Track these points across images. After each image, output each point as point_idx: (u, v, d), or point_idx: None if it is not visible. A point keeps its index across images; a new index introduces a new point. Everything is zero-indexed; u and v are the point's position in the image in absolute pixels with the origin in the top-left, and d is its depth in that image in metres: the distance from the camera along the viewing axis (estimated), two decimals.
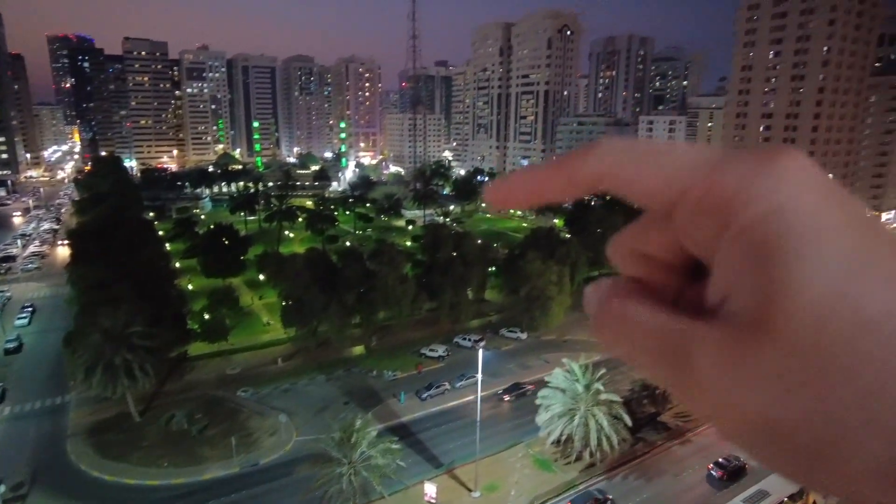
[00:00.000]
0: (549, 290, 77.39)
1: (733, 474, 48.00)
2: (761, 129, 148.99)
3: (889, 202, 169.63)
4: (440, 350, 72.41)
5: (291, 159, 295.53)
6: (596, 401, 48.69)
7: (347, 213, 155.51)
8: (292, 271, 74.65)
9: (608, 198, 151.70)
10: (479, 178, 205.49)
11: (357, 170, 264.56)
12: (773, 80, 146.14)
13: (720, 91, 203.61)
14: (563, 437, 48.56)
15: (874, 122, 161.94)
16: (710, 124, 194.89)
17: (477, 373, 50.92)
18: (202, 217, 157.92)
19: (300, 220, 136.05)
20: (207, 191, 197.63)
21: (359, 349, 72.97)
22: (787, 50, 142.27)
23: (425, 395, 60.89)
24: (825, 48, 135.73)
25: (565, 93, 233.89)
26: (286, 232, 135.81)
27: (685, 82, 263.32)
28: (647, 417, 57.06)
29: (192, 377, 65.85)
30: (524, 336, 78.42)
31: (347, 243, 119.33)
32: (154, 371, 54.67)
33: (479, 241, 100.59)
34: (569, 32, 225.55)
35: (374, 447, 42.60)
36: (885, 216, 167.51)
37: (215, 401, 60.17)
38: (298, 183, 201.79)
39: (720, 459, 48.97)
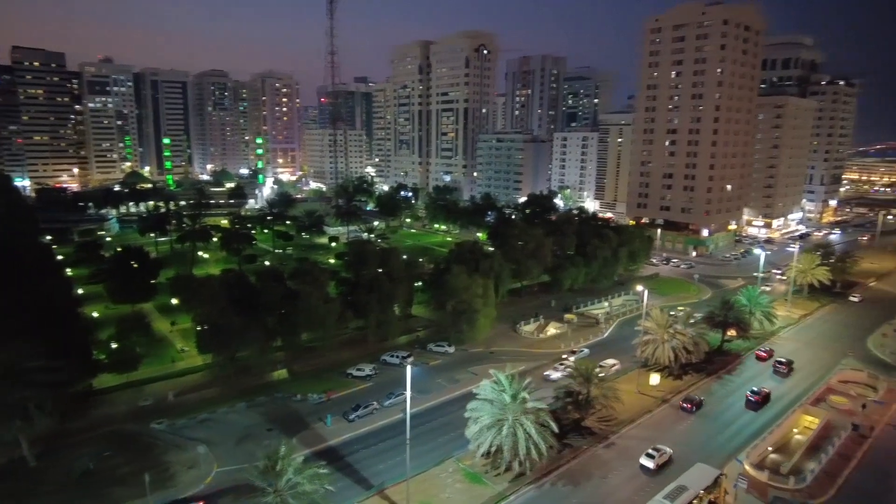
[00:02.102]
0: (475, 303, 78.32)
1: (663, 465, 52.31)
2: (667, 143, 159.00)
3: (778, 210, 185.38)
4: (367, 369, 71.22)
5: (205, 177, 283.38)
6: (523, 410, 49.42)
7: (266, 231, 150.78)
8: (208, 294, 71.24)
9: (528, 211, 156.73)
10: (402, 193, 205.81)
11: (275, 186, 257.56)
12: (676, 98, 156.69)
13: (629, 108, 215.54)
14: (493, 449, 48.89)
15: (763, 137, 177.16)
16: (619, 140, 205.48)
17: (406, 390, 50.42)
18: (108, 239, 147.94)
19: (215, 240, 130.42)
20: (114, 211, 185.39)
21: (281, 373, 70.43)
22: (687, 71, 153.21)
23: (353, 416, 59.57)
24: (719, 70, 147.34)
25: (484, 110, 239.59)
26: (200, 253, 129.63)
27: (596, 100, 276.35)
28: (572, 423, 58.60)
29: (100, 412, 61.03)
30: (452, 350, 78.76)
31: (266, 263, 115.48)
32: (54, 408, 50.15)
33: (405, 257, 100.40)
34: (485, 52, 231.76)
35: (301, 473, 41.04)
36: (775, 223, 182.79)
37: (126, 436, 56.00)
38: (213, 201, 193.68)
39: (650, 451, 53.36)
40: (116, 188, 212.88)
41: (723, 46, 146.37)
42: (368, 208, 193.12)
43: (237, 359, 69.25)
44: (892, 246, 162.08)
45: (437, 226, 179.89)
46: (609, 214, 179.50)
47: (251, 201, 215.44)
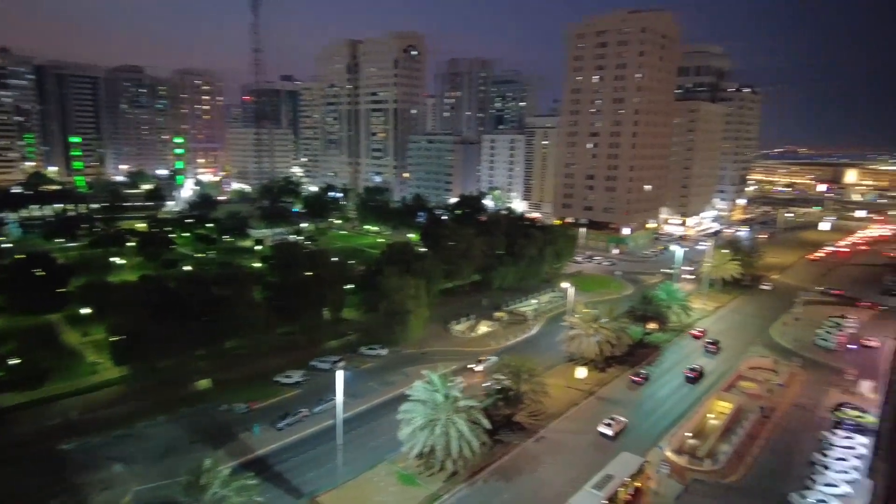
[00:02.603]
0: (407, 305, 78.16)
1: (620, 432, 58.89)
2: (590, 146, 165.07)
3: (693, 209, 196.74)
4: (296, 376, 69.44)
5: (119, 178, 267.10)
6: (455, 408, 49.81)
7: (186, 234, 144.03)
8: (123, 302, 67.23)
9: (459, 212, 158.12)
10: (331, 194, 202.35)
11: (196, 188, 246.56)
12: (598, 102, 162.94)
13: (554, 112, 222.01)
14: (426, 449, 48.97)
15: (678, 140, 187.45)
16: (545, 142, 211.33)
17: (337, 395, 49.58)
18: (8, 245, 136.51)
19: (131, 244, 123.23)
20: (13, 215, 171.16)
21: (205, 383, 67.45)
22: (609, 76, 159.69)
23: (282, 424, 57.93)
24: (638, 75, 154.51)
25: (414, 111, 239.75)
26: (115, 259, 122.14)
27: (523, 103, 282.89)
28: (504, 419, 59.66)
29: (1, 434, 56.14)
30: (384, 352, 78.20)
31: (188, 268, 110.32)
32: None
33: (335, 259, 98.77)
34: (415, 53, 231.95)
35: (228, 486, 39.49)
36: (690, 221, 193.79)
37: (32, 458, 51.82)
38: (128, 204, 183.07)
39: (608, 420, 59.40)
40: (16, 190, 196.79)
41: (641, 53, 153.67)
42: (295, 210, 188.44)
43: (157, 370, 65.71)
44: (792, 241, 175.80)
45: (367, 227, 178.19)
46: (536, 214, 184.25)
47: (170, 203, 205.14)
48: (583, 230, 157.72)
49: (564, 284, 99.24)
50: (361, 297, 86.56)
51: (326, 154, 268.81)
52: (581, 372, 72.32)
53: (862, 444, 56.48)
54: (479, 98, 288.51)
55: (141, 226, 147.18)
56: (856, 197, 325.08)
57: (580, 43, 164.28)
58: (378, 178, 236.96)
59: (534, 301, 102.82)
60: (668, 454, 54.29)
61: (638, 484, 48.29)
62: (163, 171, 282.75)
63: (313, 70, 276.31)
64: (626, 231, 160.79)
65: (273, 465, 51.72)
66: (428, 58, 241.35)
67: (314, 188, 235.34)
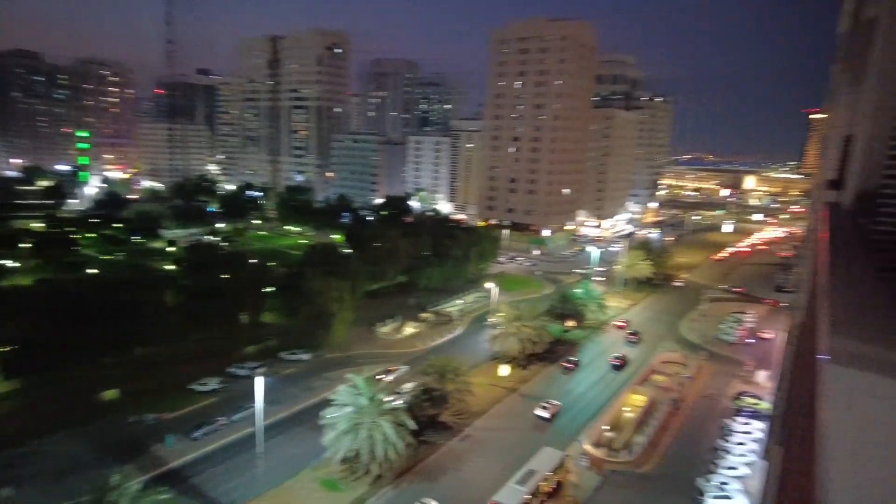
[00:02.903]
0: (331, 307, 76.44)
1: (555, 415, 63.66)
2: (512, 150, 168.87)
3: (608, 212, 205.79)
4: (213, 383, 66.11)
5: (12, 173, 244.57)
6: (381, 411, 49.24)
7: (91, 235, 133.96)
8: (16, 308, 61.51)
9: (384, 212, 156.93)
10: (250, 193, 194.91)
11: (103, 185, 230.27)
12: (520, 107, 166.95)
13: (478, 115, 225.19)
14: (351, 454, 48.06)
15: (595, 146, 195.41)
16: (469, 145, 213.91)
17: (256, 402, 47.67)
18: None
19: (26, 245, 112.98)
20: None
21: (112, 393, 62.88)
22: (530, 82, 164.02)
23: (198, 434, 54.97)
24: (558, 82, 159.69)
25: (338, 110, 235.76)
26: (6, 262, 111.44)
27: (448, 106, 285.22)
28: (429, 419, 59.64)
29: None
30: (307, 357, 76.03)
31: (92, 271, 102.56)
32: None
33: (254, 261, 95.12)
34: (338, 51, 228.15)
35: (139, 502, 36.98)
36: (606, 223, 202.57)
37: None
38: (22, 202, 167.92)
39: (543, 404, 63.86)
40: None
41: (562, 61, 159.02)
42: (211, 209, 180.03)
43: (55, 381, 60.52)
44: (699, 242, 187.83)
45: (288, 228, 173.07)
46: (461, 216, 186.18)
47: (72, 202, 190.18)
48: (506, 231, 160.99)
49: (488, 284, 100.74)
50: (282, 301, 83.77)
51: (245, 152, 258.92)
52: (504, 370, 73.63)
53: (758, 428, 61.02)
54: (405, 99, 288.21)
55: (38, 226, 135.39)
56: (753, 202, 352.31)
57: (503, 49, 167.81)
58: (300, 177, 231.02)
59: (459, 301, 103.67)
60: (587, 447, 56.29)
61: (559, 477, 49.71)
62: (64, 167, 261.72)
63: (232, 64, 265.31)
64: (546, 233, 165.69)
65: (189, 477, 48.97)
66: (352, 56, 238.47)
67: (231, 187, 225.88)
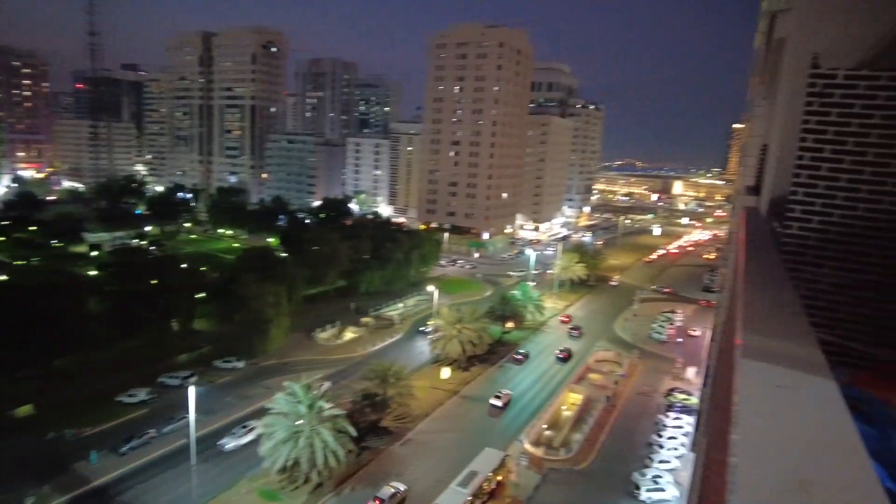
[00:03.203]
0: (267, 313, 74.44)
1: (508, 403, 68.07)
2: (451, 154, 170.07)
3: (545, 215, 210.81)
4: (142, 394, 62.97)
5: None
6: (320, 418, 48.40)
7: (1, 238, 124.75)
8: None
9: (322, 215, 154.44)
10: (180, 194, 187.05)
11: (15, 185, 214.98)
12: (459, 111, 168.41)
13: (417, 118, 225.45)
14: (290, 463, 46.97)
15: (532, 151, 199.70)
16: (409, 148, 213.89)
17: (189, 413, 45.76)
18: None
19: None
20: None
21: (26, 409, 58.72)
22: (468, 87, 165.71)
23: (125, 448, 52.20)
24: (496, 88, 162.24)
25: (273, 109, 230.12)
26: None
27: (387, 108, 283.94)
28: (370, 425, 59.16)
29: None
30: (242, 365, 73.62)
31: (1, 277, 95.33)
32: None
33: (185, 266, 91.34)
34: (274, 49, 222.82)
35: None
36: (542, 227, 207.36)
37: None
38: None
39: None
40: None
41: (499, 67, 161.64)
42: (139, 212, 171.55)
43: None
44: (630, 245, 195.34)
45: (221, 231, 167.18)
46: (402, 219, 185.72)
47: None
48: (446, 234, 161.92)
49: (430, 287, 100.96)
50: (216, 307, 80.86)
51: (175, 152, 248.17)
52: (446, 372, 73.98)
53: (688, 422, 64.09)
54: (343, 100, 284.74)
55: None
56: (681, 206, 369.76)
57: (441, 53, 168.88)
58: (233, 179, 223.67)
59: (400, 305, 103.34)
60: (527, 446, 57.39)
61: (500, 477, 50.43)
62: None
63: (162, 61, 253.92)
64: (485, 236, 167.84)
65: (116, 495, 46.46)
66: (289, 55, 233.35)
67: (161, 188, 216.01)
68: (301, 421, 47.78)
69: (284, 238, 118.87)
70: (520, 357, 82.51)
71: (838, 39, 6.55)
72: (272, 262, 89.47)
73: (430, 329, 79.46)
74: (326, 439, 47.27)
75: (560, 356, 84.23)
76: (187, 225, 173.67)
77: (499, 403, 66.87)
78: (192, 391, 45.20)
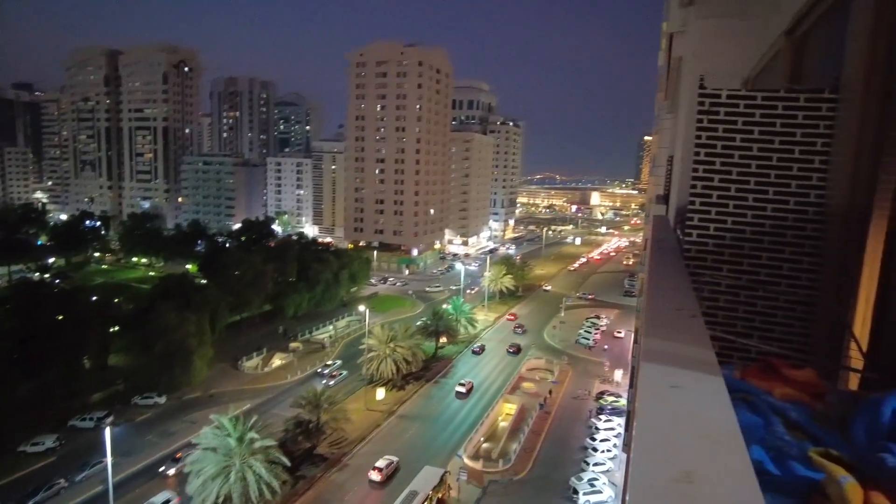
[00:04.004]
0: (188, 343, 70.81)
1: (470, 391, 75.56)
2: (377, 171, 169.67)
3: (473, 230, 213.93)
4: (49, 441, 57.97)
5: None
6: (251, 450, 46.44)
7: None
8: None
9: (244, 238, 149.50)
10: (88, 223, 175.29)
11: None
12: (382, 129, 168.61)
13: (340, 136, 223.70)
14: (221, 500, 44.63)
15: (457, 167, 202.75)
16: (333, 167, 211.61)
17: (105, 456, 42.59)
18: None
19: None
20: None
21: None
22: (391, 105, 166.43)
23: (30, 503, 47.77)
24: (418, 106, 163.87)
25: (188, 130, 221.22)
26: None
27: (308, 127, 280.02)
28: (305, 453, 57.33)
29: None
30: (163, 400, 69.52)
31: None
32: None
33: (95, 298, 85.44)
34: (187, 69, 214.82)
35: None
36: (470, 241, 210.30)
37: None
38: None
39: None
40: None
41: (420, 85, 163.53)
42: (41, 242, 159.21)
43: None
44: (554, 255, 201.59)
45: (135, 259, 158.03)
46: (329, 239, 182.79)
47: None
48: (375, 252, 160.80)
49: (361, 307, 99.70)
50: (131, 339, 75.97)
51: (80, 177, 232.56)
52: (380, 393, 72.99)
53: (619, 423, 66.44)
54: (262, 119, 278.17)
55: None
56: (599, 216, 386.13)
57: (361, 71, 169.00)
58: (147, 204, 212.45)
59: (330, 327, 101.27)
60: (466, 460, 57.46)
61: (440, 494, 50.10)
62: None
63: (61, 80, 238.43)
64: (415, 252, 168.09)
65: None
66: (203, 74, 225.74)
67: (64, 217, 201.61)
68: (231, 455, 45.66)
69: (204, 264, 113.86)
70: (478, 350, 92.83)
71: (722, 61, 7.15)
72: (192, 290, 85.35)
73: (362, 350, 78.10)
74: (259, 472, 45.38)
75: (511, 350, 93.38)
76: (97, 255, 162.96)
77: (463, 390, 75.11)
78: (107, 432, 42.18)
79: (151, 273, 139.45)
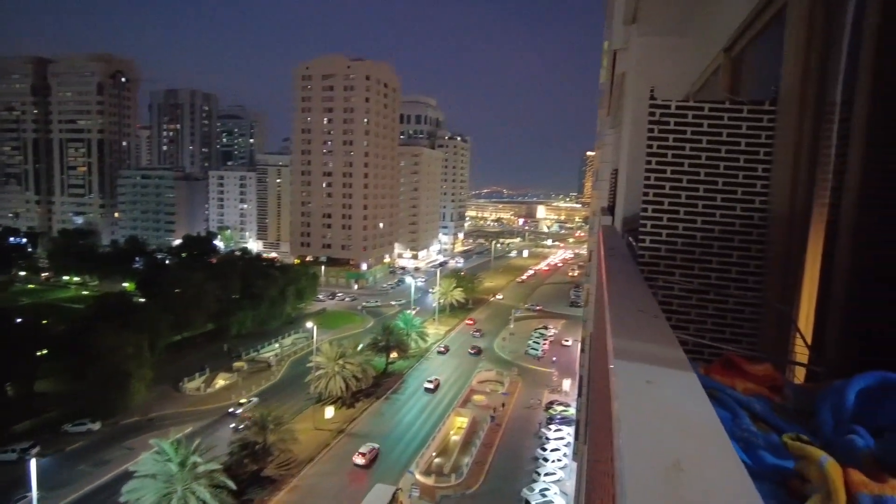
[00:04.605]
0: (126, 366, 67.34)
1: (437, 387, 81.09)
2: (324, 185, 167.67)
3: (422, 243, 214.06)
4: None
5: None
6: (194, 475, 44.46)
7: None
8: None
9: (185, 255, 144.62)
10: (13, 239, 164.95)
11: None
12: (330, 143, 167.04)
13: (285, 150, 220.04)
14: None
15: (406, 181, 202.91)
16: (279, 180, 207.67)
17: (30, 491, 39.78)
18: None
19: None
20: None
21: None
22: (338, 118, 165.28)
23: None
24: (365, 120, 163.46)
25: (125, 143, 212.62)
26: None
27: (252, 140, 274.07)
28: (251, 475, 55.36)
29: None
30: (97, 426, 65.70)
31: None
32: None
33: (21, 320, 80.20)
34: (124, 80, 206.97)
35: None
36: (420, 254, 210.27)
37: None
38: None
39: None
40: None
41: (367, 99, 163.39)
42: None
43: None
44: (503, 267, 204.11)
45: (67, 278, 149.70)
46: (274, 254, 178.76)
47: None
48: (323, 267, 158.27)
49: (308, 324, 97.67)
50: (62, 363, 71.63)
51: (5, 191, 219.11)
52: (329, 411, 71.47)
53: (568, 433, 67.42)
54: (203, 132, 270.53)
55: None
56: (545, 228, 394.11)
57: (307, 84, 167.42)
58: (80, 220, 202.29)
59: (276, 345, 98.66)
60: (418, 476, 56.86)
61: None
62: None
63: None
64: (364, 266, 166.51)
65: None
66: (142, 85, 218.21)
67: None
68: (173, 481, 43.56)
69: (143, 282, 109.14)
70: (443, 349, 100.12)
71: (665, 77, 7.49)
72: (129, 309, 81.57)
73: (310, 367, 76.37)
74: (203, 497, 43.46)
75: (472, 352, 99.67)
76: (23, 273, 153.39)
77: (430, 386, 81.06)
78: (32, 464, 39.44)
79: (85, 292, 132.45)
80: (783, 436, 1.92)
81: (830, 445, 1.69)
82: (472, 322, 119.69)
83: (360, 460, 59.10)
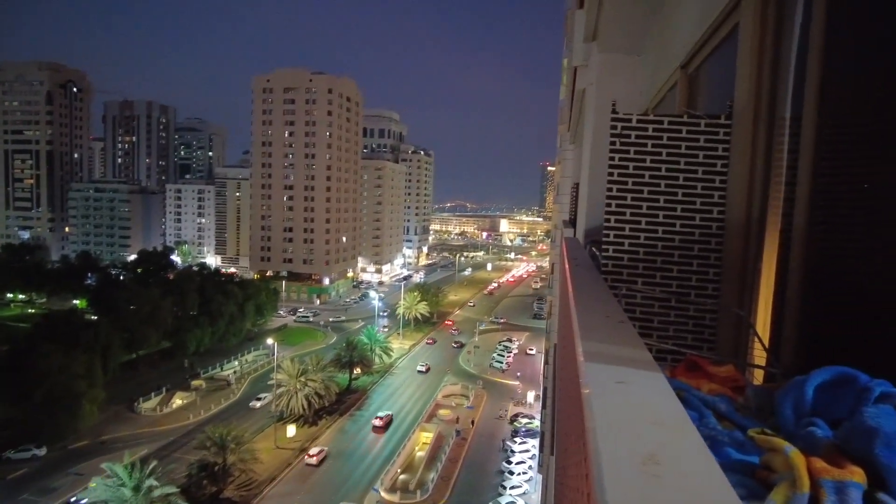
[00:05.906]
0: (75, 386, 64.49)
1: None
2: (285, 199, 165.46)
3: (386, 257, 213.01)
4: None
5: None
6: (149, 500, 42.80)
7: None
8: None
9: (140, 270, 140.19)
10: None
11: None
12: (291, 156, 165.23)
13: (245, 163, 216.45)
14: None
15: (369, 195, 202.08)
16: (238, 194, 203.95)
17: None
18: None
19: None
20: None
21: None
22: (299, 132, 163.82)
23: None
24: (328, 133, 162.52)
25: (76, 155, 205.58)
26: None
27: (210, 153, 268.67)
28: (210, 498, 53.60)
29: None
30: (43, 452, 62.52)
31: None
32: None
33: None
34: (75, 90, 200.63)
35: None
36: (384, 268, 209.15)
37: None
38: None
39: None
40: None
41: (329, 112, 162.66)
42: None
43: None
44: (468, 280, 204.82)
45: (12, 295, 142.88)
46: (233, 269, 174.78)
47: None
48: (284, 282, 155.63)
49: (269, 340, 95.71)
50: (4, 386, 67.98)
51: None
52: (291, 430, 69.98)
53: (533, 445, 67.68)
54: (160, 145, 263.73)
55: None
56: (508, 242, 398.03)
57: (268, 97, 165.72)
58: (26, 235, 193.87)
59: (235, 363, 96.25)
60: (383, 494, 56.08)
61: None
62: None
63: None
64: (326, 281, 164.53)
65: None
66: (95, 96, 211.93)
67: None
68: None
69: (95, 298, 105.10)
70: (430, 342, 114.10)
71: (624, 93, 7.74)
72: (81, 327, 78.33)
73: (270, 385, 74.73)
74: None
75: (454, 346, 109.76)
76: None
77: (423, 369, 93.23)
78: None
79: (31, 310, 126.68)
80: (749, 431, 1.99)
81: (792, 438, 1.77)
82: (451, 322, 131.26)
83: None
